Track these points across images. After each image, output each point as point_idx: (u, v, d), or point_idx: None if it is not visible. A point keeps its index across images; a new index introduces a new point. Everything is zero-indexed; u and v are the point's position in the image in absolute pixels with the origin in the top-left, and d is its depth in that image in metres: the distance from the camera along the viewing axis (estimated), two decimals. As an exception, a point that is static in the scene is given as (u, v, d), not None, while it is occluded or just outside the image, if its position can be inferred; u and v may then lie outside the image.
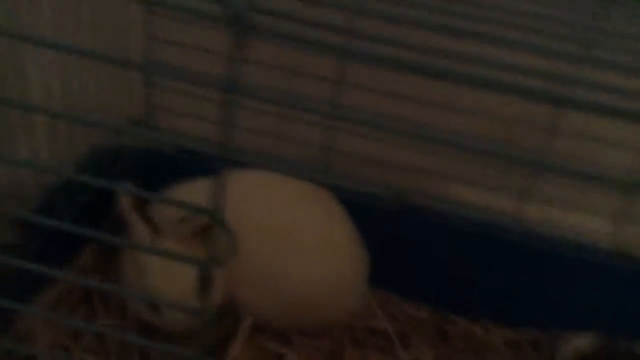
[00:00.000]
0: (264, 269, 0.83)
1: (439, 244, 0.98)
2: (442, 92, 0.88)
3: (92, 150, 0.92)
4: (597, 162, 0.84)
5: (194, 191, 0.83)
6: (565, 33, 0.47)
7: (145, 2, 0.91)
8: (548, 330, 0.97)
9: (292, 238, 0.85)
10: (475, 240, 0.96)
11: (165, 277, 0.76)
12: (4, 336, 0.78)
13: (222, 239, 0.38)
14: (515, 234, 0.95)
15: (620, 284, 0.94)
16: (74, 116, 0.37)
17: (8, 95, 0.72)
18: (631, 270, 0.93)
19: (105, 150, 0.95)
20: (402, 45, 0.36)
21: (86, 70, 0.87)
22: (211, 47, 0.78)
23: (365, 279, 0.92)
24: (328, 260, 0.86)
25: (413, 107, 0.90)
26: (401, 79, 0.87)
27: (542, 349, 0.94)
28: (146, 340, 0.77)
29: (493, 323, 0.99)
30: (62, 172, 0.74)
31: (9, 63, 0.73)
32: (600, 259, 0.94)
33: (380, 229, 0.95)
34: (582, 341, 0.92)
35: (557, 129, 0.90)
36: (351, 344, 0.91)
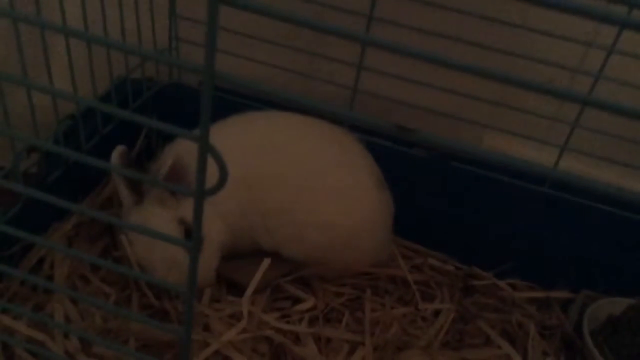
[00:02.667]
0: (287, 212, 0.81)
1: (470, 195, 0.94)
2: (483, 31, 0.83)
3: (114, 81, 0.90)
4: None
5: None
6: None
7: None
8: (579, 291, 0.93)
9: (317, 181, 0.82)
10: (508, 193, 0.92)
11: (149, 245, 0.76)
12: (22, 265, 0.78)
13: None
14: (550, 187, 0.90)
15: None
16: (111, 42, 0.33)
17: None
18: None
19: (127, 82, 0.92)
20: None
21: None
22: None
23: (390, 226, 0.89)
24: (353, 204, 0.84)
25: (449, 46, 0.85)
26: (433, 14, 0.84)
27: (571, 310, 0.90)
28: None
29: (521, 281, 0.95)
30: (83, 101, 0.72)
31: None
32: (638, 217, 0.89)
33: (408, 177, 0.92)
34: (614, 304, 0.88)
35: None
36: (371, 291, 0.88)
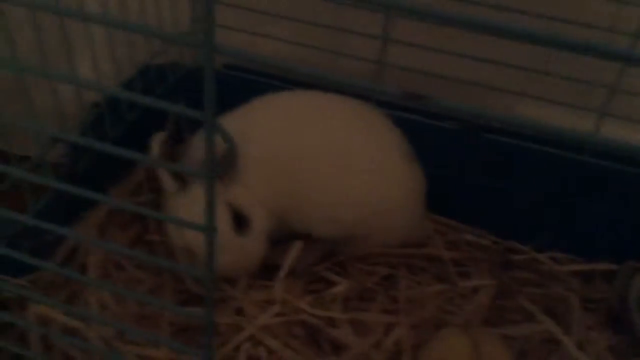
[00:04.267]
0: (320, 191, 0.80)
1: (505, 167, 0.91)
2: None
3: (139, 67, 0.89)
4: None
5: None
6: None
7: None
8: (623, 262, 0.89)
9: (348, 159, 0.81)
10: (543, 161, 0.88)
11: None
12: (57, 253, 0.79)
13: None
14: (590, 155, 0.86)
15: None
16: (135, 26, 0.32)
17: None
18: None
19: (152, 68, 0.91)
20: None
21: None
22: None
23: (422, 202, 0.88)
24: (383, 180, 0.82)
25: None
26: None
27: (616, 281, 0.87)
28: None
29: (562, 253, 0.92)
30: (107, 89, 0.71)
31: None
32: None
33: (441, 151, 0.89)
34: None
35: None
36: (407, 270, 0.87)
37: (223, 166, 0.71)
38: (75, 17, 0.35)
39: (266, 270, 0.82)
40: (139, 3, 0.84)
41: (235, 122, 0.79)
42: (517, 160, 0.90)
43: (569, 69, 0.85)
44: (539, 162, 0.89)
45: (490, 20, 0.29)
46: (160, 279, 0.81)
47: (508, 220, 0.92)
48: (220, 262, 0.75)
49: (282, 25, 0.91)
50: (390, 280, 0.86)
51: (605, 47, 0.29)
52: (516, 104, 0.95)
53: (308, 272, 0.83)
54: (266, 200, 0.79)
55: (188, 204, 0.75)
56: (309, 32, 0.91)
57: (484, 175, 0.92)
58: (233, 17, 0.89)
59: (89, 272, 0.78)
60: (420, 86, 0.92)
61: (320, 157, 0.80)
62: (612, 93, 0.84)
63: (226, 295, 0.78)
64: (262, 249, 0.79)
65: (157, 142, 0.76)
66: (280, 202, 0.80)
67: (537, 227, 0.91)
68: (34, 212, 0.73)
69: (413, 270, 0.87)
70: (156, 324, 0.74)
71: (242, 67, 0.98)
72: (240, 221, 0.76)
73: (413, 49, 0.85)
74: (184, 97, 0.96)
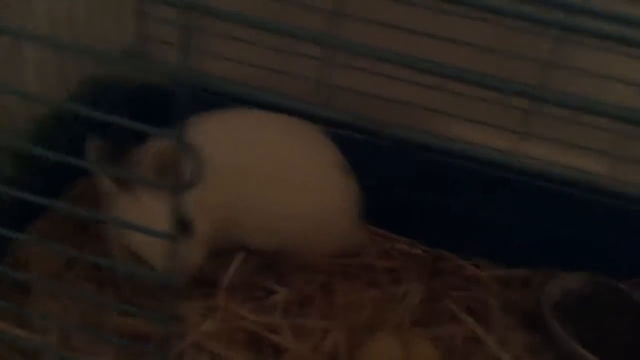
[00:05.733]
0: (259, 204, 0.84)
1: (433, 181, 0.98)
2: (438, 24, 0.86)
3: (83, 82, 0.90)
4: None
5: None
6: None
7: None
8: (538, 269, 0.98)
9: (285, 173, 0.85)
10: (470, 177, 0.96)
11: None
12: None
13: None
14: (510, 172, 0.95)
15: (612, 224, 0.94)
16: (77, 46, 0.35)
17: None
18: (624, 210, 0.93)
19: (98, 82, 0.93)
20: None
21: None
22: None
23: (357, 212, 0.93)
24: (318, 193, 0.87)
25: (408, 40, 0.87)
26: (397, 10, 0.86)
27: (531, 286, 0.95)
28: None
29: (485, 261, 1.00)
30: (53, 102, 0.73)
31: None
32: (594, 198, 0.93)
33: (375, 166, 0.95)
34: (570, 280, 0.93)
35: (552, 66, 0.88)
36: (343, 278, 0.92)
37: (191, 179, 0.73)
38: (9, 34, 0.37)
39: (204, 284, 0.85)
40: (86, 19, 0.86)
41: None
42: (448, 176, 0.97)
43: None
44: (466, 176, 0.96)
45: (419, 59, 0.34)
46: (101, 290, 0.83)
47: (437, 230, 0.99)
48: (160, 265, 0.76)
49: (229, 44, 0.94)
50: (328, 288, 0.90)
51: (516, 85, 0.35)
52: (446, 119, 1.02)
53: (247, 282, 0.87)
54: (208, 211, 0.82)
55: (134, 208, 0.76)
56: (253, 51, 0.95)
57: (415, 189, 0.99)
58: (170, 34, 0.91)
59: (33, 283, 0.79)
60: (359, 105, 0.97)
61: (259, 171, 0.83)
62: (529, 114, 0.92)
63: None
64: (202, 256, 0.81)
65: (92, 147, 0.77)
66: (221, 213, 0.83)
67: (464, 237, 0.99)
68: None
69: (348, 277, 0.93)
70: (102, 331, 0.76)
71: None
72: (183, 226, 0.79)
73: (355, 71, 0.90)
74: (129, 110, 0.99)
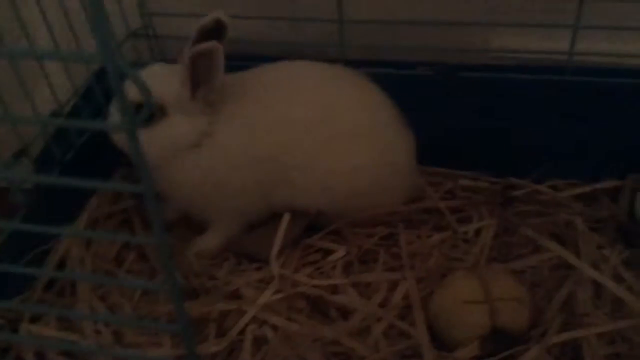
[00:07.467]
0: (311, 161, 0.77)
1: (486, 105, 0.87)
2: None
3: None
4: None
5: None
6: None
7: None
8: (625, 178, 0.86)
9: (337, 126, 0.78)
10: (527, 91, 0.85)
11: None
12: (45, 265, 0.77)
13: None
14: (575, 74, 0.83)
15: None
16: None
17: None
18: None
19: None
20: None
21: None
22: None
23: (414, 160, 0.85)
24: (372, 145, 0.80)
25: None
26: None
27: (621, 198, 0.84)
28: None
29: (561, 181, 0.89)
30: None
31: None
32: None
33: (420, 100, 0.86)
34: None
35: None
36: (406, 227, 0.84)
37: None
38: None
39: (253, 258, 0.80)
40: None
41: (237, 80, 0.78)
42: (502, 95, 0.86)
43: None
44: (520, 92, 0.86)
45: None
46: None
47: (503, 157, 0.89)
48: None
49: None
50: (390, 239, 0.83)
51: None
52: (490, 36, 0.91)
53: (300, 244, 0.81)
54: (256, 165, 0.77)
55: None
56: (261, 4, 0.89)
57: (468, 118, 0.89)
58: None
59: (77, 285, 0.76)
60: (385, 36, 0.89)
61: (310, 126, 0.77)
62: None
63: (218, 283, 0.76)
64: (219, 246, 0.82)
65: None
66: (259, 167, 0.77)
67: (534, 159, 0.88)
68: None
69: (412, 225, 0.84)
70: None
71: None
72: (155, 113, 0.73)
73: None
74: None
